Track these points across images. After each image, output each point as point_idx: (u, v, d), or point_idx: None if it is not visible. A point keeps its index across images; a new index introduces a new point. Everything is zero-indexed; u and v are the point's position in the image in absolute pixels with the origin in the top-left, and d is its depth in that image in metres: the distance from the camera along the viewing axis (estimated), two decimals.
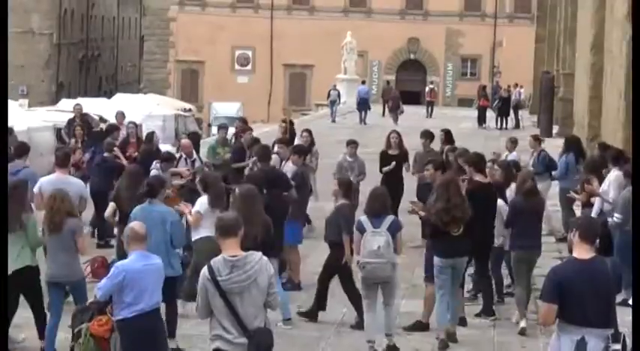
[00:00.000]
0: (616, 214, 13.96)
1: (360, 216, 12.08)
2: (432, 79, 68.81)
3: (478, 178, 13.35)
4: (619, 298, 10.49)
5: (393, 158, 19.15)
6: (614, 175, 14.97)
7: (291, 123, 21.43)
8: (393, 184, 17.62)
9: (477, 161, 13.62)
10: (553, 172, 19.21)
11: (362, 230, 11.73)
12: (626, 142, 19.19)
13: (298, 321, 13.07)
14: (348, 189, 13.25)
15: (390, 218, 11.87)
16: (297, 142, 19.92)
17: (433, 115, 51.47)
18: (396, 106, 48.95)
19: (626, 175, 14.35)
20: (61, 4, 72.19)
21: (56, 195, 11.35)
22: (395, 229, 11.79)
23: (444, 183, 12.33)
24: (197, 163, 17.63)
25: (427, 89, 58.48)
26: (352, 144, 19.46)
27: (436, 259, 12.14)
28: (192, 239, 13.06)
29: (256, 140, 19.30)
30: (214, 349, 8.15)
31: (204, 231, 12.60)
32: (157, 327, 9.22)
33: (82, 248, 11.46)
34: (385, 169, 19.07)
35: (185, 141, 18.84)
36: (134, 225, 9.68)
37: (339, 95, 50.54)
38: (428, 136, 19.38)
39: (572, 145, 19.75)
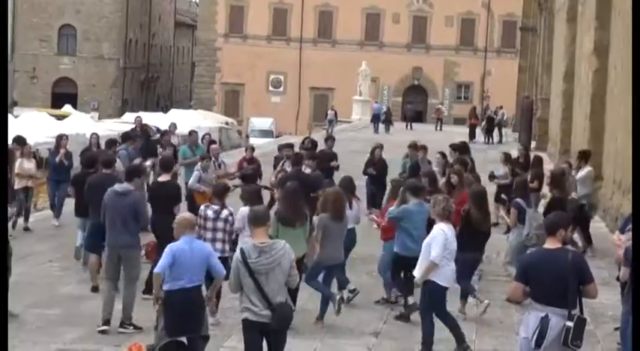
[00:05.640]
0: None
1: (518, 199, 12.47)
2: (431, 101, 69.43)
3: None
4: None
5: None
6: (586, 170, 16.73)
7: (213, 142, 21.24)
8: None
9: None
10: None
11: (521, 210, 12.11)
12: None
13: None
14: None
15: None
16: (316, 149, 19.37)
17: (442, 130, 51.87)
18: (388, 120, 49.79)
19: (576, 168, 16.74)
20: (127, 34, 72.43)
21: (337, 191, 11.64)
22: None
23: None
24: (222, 166, 17.65)
25: (435, 109, 60.00)
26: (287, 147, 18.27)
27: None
28: None
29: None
30: (243, 319, 8.12)
31: None
32: (195, 302, 8.72)
33: None
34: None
35: (214, 146, 19.09)
36: (186, 214, 9.42)
37: (335, 115, 50.32)
38: (461, 149, 18.17)
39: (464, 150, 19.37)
